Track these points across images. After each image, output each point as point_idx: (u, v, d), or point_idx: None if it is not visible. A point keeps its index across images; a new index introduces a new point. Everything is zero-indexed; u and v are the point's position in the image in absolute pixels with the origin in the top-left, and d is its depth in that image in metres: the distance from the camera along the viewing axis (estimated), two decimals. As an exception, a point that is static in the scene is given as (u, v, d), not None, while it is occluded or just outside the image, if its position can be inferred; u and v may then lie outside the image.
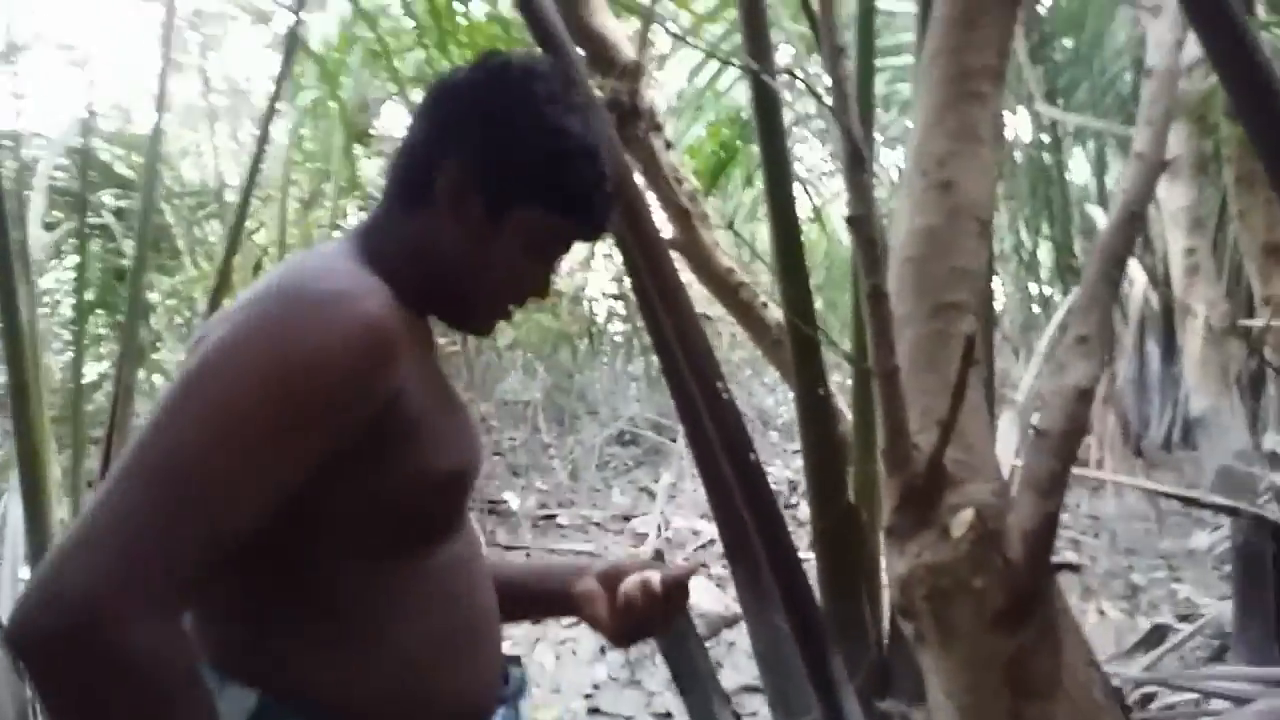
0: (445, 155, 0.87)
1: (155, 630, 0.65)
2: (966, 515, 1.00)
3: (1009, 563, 0.96)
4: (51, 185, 3.25)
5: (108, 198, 4.30)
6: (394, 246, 0.88)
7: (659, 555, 3.48)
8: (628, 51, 2.41)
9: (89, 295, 4.28)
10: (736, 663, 3.02)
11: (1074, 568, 3.14)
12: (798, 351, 1.68)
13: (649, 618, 0.93)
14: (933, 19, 1.30)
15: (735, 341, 6.16)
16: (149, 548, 0.65)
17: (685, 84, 4.52)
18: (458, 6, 3.52)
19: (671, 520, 4.47)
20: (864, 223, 1.08)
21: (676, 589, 0.92)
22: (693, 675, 1.82)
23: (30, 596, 0.64)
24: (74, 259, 3.98)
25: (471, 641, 0.87)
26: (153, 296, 4.44)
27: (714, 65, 3.91)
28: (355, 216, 5.58)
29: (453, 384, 0.96)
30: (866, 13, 1.71)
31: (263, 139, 2.71)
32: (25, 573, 2.67)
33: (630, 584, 0.93)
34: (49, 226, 3.35)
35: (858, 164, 1.09)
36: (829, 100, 1.07)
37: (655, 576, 0.92)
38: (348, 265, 0.83)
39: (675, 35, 2.82)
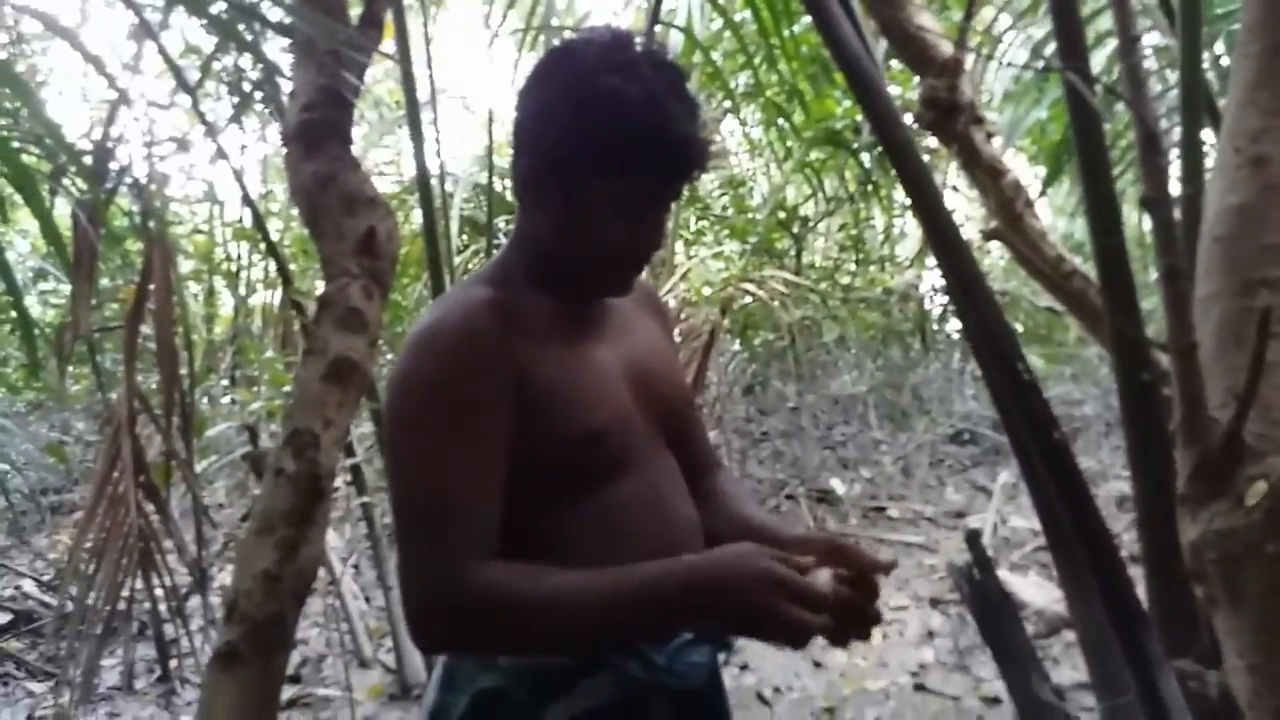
0: (521, 155, 0.96)
1: (462, 583, 0.88)
2: (1261, 485, 1.03)
3: (1306, 531, 0.98)
4: (460, 214, 3.95)
5: (502, 223, 5.08)
6: (520, 245, 1.02)
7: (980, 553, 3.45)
8: (945, 48, 2.47)
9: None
10: (1075, 661, 2.92)
11: None
12: (1117, 336, 1.68)
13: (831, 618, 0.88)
14: (1247, -7, 1.28)
15: (1084, 340, 5.77)
16: (436, 550, 0.89)
17: (1021, 68, 4.36)
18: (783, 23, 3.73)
19: (1009, 519, 4.35)
20: (1159, 205, 1.14)
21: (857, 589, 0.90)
22: (1010, 653, 1.87)
23: (409, 623, 0.91)
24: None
25: None
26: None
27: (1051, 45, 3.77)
28: (695, 224, 6.02)
29: (601, 351, 1.03)
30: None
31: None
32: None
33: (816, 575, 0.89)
34: (458, 250, 4.07)
35: (1153, 149, 1.14)
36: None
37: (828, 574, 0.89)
38: (463, 293, 0.99)
39: (969, 42, 2.81)
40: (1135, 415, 1.72)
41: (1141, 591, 1.59)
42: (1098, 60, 3.00)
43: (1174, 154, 1.84)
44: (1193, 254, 1.27)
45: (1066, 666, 2.90)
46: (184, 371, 2.65)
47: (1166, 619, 1.69)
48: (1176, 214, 1.56)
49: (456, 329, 0.93)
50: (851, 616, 0.91)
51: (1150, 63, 3.71)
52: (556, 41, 1.15)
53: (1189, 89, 1.65)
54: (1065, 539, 1.73)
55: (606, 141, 0.91)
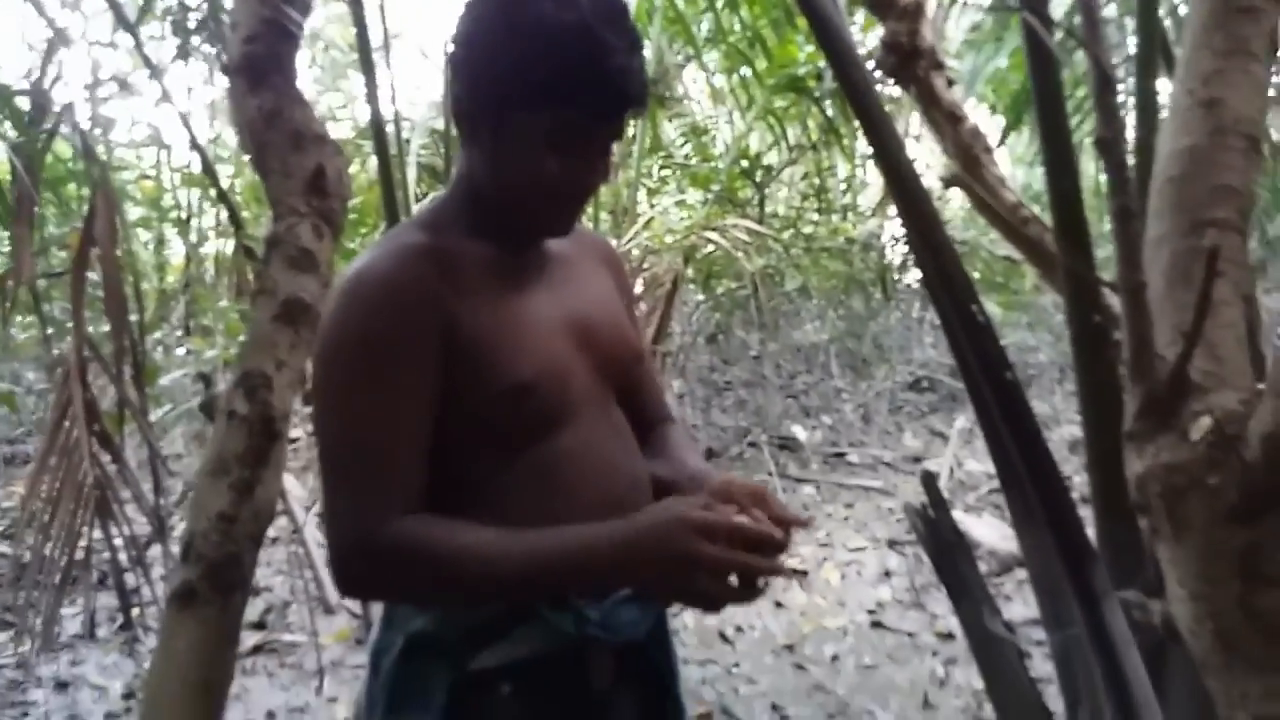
0: (456, 91, 0.94)
1: (377, 534, 0.88)
2: (1205, 420, 1.05)
3: (1245, 463, 1.01)
4: (418, 161, 3.89)
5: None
6: (459, 186, 0.99)
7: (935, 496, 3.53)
8: (908, -7, 2.45)
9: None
10: (1026, 598, 3.02)
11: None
12: (1069, 277, 1.71)
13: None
14: (1202, -66, 1.28)
15: (1040, 288, 5.87)
16: (355, 499, 0.90)
17: (983, 10, 4.37)
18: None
19: (964, 462, 4.44)
20: (1111, 145, 1.14)
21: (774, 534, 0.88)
22: (963, 589, 1.92)
23: (330, 562, 0.92)
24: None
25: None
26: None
27: (1011, -7, 3.76)
28: (658, 173, 5.98)
29: (540, 301, 1.00)
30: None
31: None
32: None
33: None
34: (416, 197, 4.02)
35: (1106, 88, 1.15)
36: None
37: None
38: (395, 238, 0.97)
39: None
40: (1086, 357, 1.76)
41: (1091, 533, 1.64)
42: (1058, 6, 3.02)
43: (1131, 102, 1.86)
44: (1145, 196, 1.28)
45: (1019, 603, 3.00)
46: (133, 319, 2.60)
47: (1114, 553, 1.75)
48: (1130, 158, 1.58)
49: (383, 277, 0.92)
50: (764, 553, 0.88)
51: (1110, 10, 3.75)
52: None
53: (1144, 34, 1.67)
54: (1017, 478, 1.77)
55: (534, 72, 0.87)
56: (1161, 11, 2.65)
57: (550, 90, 0.87)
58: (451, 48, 0.94)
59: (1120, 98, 1.38)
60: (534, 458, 0.96)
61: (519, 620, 0.96)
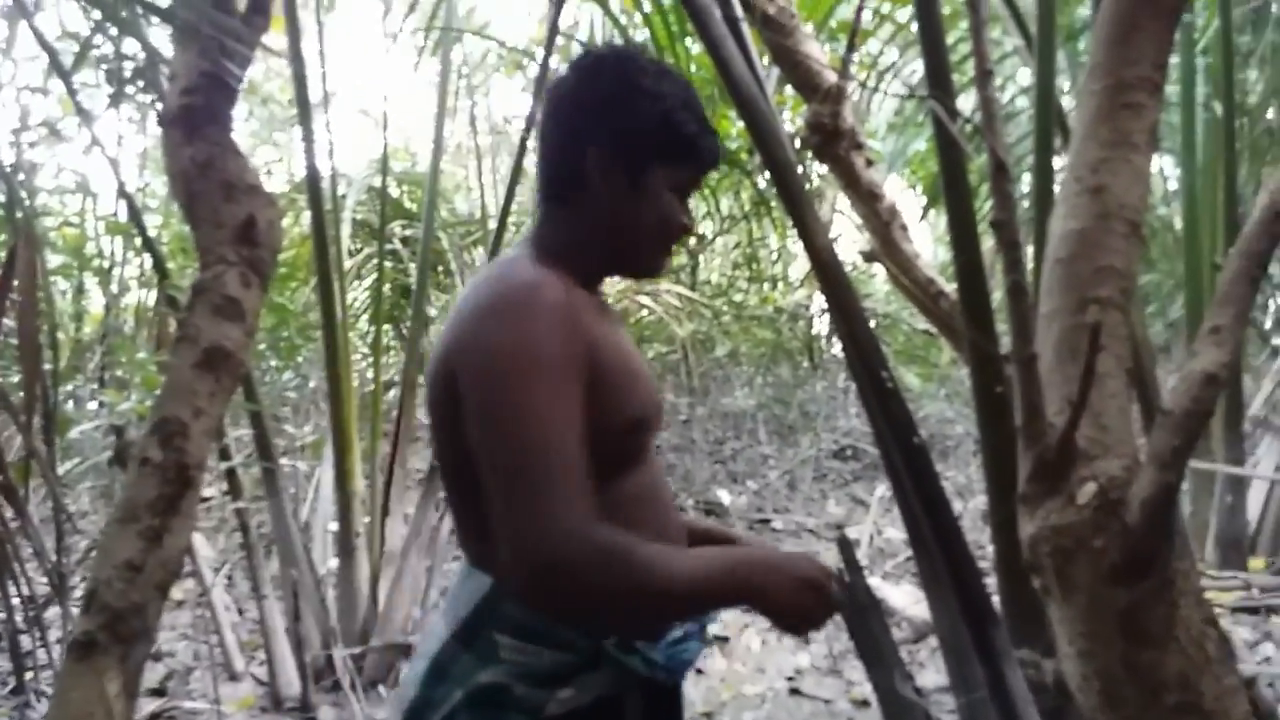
0: (585, 145, 1.05)
1: (587, 535, 0.89)
2: (1091, 485, 1.11)
3: (1127, 526, 1.07)
4: (353, 218, 3.88)
5: (396, 228, 4.99)
6: (564, 236, 1.08)
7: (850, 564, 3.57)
8: (829, 76, 2.59)
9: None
10: (940, 665, 3.06)
11: None
12: (973, 350, 1.79)
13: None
14: (1092, 37, 1.40)
15: (957, 362, 6.07)
16: (548, 506, 0.89)
17: (901, 98, 4.58)
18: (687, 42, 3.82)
19: (884, 530, 4.52)
20: (1005, 227, 1.22)
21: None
22: (875, 653, 1.96)
23: (523, 577, 0.90)
24: (371, 279, 4.66)
25: None
26: (431, 311, 5.07)
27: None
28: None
29: (626, 340, 1.12)
30: (1046, 34, 1.80)
31: (516, 171, 3.13)
32: (334, 525, 3.26)
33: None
34: (350, 253, 4.01)
35: (1001, 174, 1.23)
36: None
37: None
38: (526, 265, 1.02)
39: (848, 72, 2.95)
40: (989, 425, 1.84)
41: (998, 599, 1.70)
42: (970, 100, 3.20)
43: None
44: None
45: (932, 670, 3.04)
46: (47, 368, 2.53)
47: (1016, 616, 1.81)
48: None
49: (541, 294, 0.95)
50: None
51: (1024, 100, 3.96)
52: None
53: (1041, 125, 1.79)
54: (926, 543, 1.82)
55: (677, 134, 1.05)
56: (1069, 102, 2.84)
57: (692, 146, 1.07)
58: (561, 114, 1.08)
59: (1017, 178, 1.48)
60: (616, 491, 1.01)
61: (583, 666, 1.00)
